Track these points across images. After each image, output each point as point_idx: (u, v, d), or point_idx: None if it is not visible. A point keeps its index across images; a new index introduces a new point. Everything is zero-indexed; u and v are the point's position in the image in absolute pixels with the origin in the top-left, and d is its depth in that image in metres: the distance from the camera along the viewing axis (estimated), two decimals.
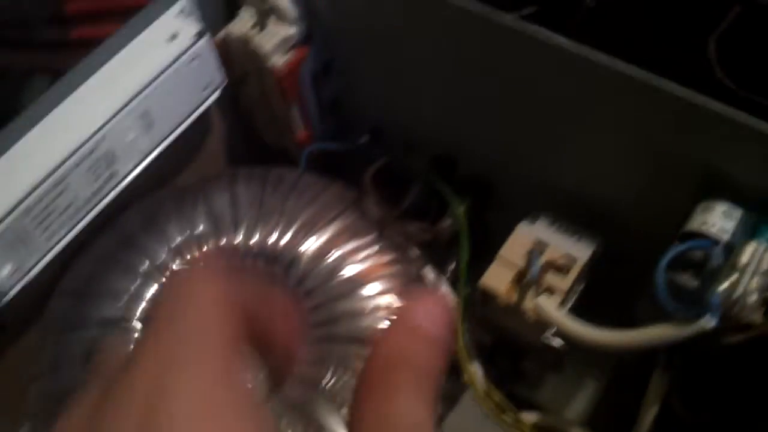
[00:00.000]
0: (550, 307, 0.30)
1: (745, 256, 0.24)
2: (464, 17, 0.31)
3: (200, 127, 0.41)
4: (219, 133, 0.43)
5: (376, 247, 0.36)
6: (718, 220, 0.27)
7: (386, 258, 0.36)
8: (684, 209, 0.29)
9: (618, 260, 0.33)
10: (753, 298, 0.24)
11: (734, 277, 0.24)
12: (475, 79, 0.34)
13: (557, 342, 0.33)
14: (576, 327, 0.29)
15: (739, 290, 0.24)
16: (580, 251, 0.33)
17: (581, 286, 0.35)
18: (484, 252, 0.35)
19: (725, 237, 0.27)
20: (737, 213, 0.27)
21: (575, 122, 0.32)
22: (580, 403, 0.39)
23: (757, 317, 0.25)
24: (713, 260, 0.26)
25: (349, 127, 0.41)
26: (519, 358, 0.37)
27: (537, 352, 0.35)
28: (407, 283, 0.36)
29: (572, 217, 0.34)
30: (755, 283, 0.24)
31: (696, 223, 0.28)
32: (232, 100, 0.41)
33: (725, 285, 0.24)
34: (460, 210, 0.37)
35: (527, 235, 0.34)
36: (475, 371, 0.37)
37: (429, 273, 0.38)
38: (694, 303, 0.25)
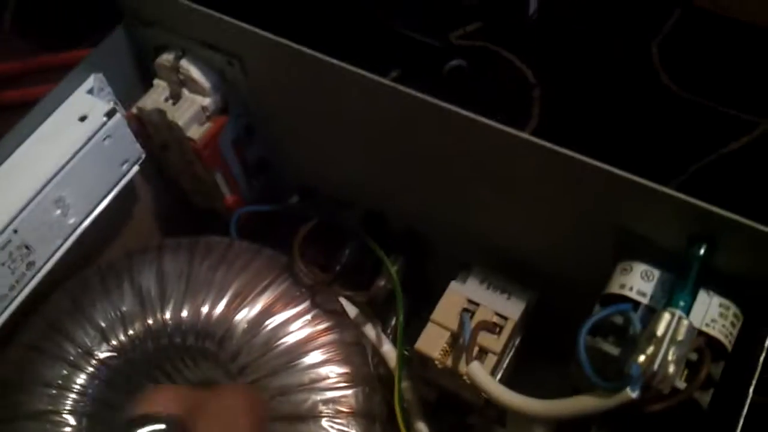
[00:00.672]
0: (481, 375, 0.30)
1: (661, 328, 0.24)
2: (350, 83, 0.31)
3: (126, 199, 0.40)
4: (146, 203, 0.42)
5: (309, 316, 0.35)
6: (637, 282, 0.27)
7: (322, 326, 0.36)
8: (605, 268, 0.29)
9: (552, 314, 0.33)
10: (671, 369, 0.24)
11: (651, 349, 0.24)
12: (387, 142, 0.33)
13: None
14: (505, 396, 0.29)
15: (657, 362, 0.24)
16: (512, 309, 0.33)
17: (517, 340, 0.34)
18: (426, 304, 0.35)
19: (644, 300, 0.27)
20: (655, 273, 0.27)
21: (487, 183, 0.31)
22: None
23: (679, 384, 0.25)
24: (633, 326, 0.26)
25: (279, 187, 0.41)
26: (464, 413, 0.37)
27: (480, 409, 0.35)
28: (346, 350, 0.35)
29: (506, 268, 0.34)
30: (672, 354, 0.24)
31: (615, 285, 0.27)
32: (157, 167, 0.40)
33: (642, 358, 0.24)
34: (393, 269, 0.36)
35: (459, 295, 0.34)
36: (421, 429, 0.36)
37: (370, 332, 0.37)
38: (617, 373, 0.25)
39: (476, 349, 0.32)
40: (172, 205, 0.43)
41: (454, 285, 0.34)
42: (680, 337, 0.24)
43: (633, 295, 0.27)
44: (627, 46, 0.73)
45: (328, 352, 0.35)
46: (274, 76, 0.34)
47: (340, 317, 0.36)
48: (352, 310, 0.37)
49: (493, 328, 0.33)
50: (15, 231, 0.32)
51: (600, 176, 0.26)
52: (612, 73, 0.75)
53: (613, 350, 0.26)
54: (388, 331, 0.39)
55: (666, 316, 0.24)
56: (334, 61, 0.30)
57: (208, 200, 0.41)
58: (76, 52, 0.49)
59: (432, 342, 0.33)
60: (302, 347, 0.35)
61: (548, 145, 0.27)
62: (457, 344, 0.33)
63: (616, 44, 0.75)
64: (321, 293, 0.36)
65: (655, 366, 0.24)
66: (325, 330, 0.35)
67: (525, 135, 0.27)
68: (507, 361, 0.34)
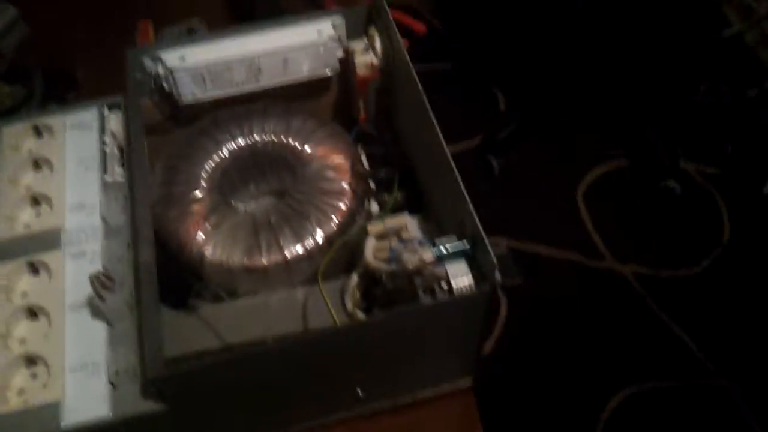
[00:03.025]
0: (370, 242, 0.57)
1: (420, 249, 0.50)
2: None
3: (322, 86, 0.73)
4: (332, 95, 0.75)
5: (347, 184, 0.65)
6: (447, 242, 0.53)
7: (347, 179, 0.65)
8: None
9: None
10: (409, 266, 0.50)
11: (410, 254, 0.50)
12: (426, 148, 0.62)
13: None
14: (367, 252, 0.56)
15: (405, 257, 0.50)
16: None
17: None
18: None
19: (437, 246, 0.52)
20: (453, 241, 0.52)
21: None
22: None
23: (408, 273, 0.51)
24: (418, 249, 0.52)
25: (387, 128, 0.71)
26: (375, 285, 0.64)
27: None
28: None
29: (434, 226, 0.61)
30: (415, 260, 0.50)
31: (440, 239, 0.53)
32: (344, 77, 0.73)
33: (405, 255, 0.50)
34: (395, 195, 0.64)
35: (403, 219, 0.61)
36: (353, 277, 0.64)
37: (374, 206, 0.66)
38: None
39: (386, 241, 0.59)
40: (341, 104, 0.75)
41: (405, 214, 0.61)
42: (425, 257, 0.50)
43: (438, 243, 0.52)
44: None
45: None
46: (402, 75, 0.64)
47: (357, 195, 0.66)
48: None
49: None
50: (258, 59, 0.66)
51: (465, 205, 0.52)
52: None
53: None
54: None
55: (427, 250, 0.50)
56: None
57: (353, 110, 0.72)
58: None
59: (375, 228, 0.60)
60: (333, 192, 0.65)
61: None
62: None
63: None
64: (358, 179, 0.66)
65: (403, 257, 0.50)
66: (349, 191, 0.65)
67: None
68: None
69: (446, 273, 0.51)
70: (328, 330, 0.53)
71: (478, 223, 0.50)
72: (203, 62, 0.64)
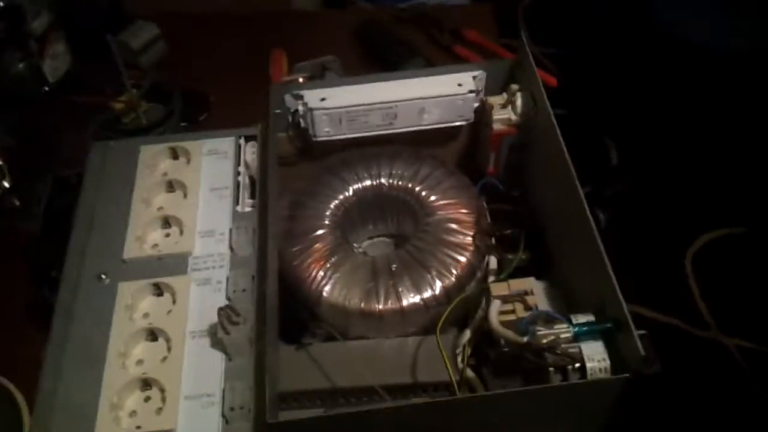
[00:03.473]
0: (495, 306, 0.56)
1: (557, 326, 0.48)
2: None
3: (452, 134, 0.72)
4: (460, 144, 0.74)
5: (470, 239, 0.64)
6: (581, 318, 0.50)
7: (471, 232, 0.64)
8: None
9: None
10: (543, 341, 0.48)
11: (544, 330, 0.48)
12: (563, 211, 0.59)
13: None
14: (492, 316, 0.54)
15: (540, 333, 0.48)
16: (544, 307, 0.57)
17: None
18: None
19: (574, 323, 0.50)
20: (591, 321, 0.50)
21: None
22: None
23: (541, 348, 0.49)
24: (555, 324, 0.50)
25: (516, 184, 0.69)
26: (491, 346, 0.62)
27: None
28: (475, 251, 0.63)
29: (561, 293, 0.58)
30: (550, 337, 0.48)
31: (574, 315, 0.51)
32: (474, 131, 0.72)
33: (539, 328, 0.48)
34: (519, 256, 0.62)
35: (529, 283, 0.59)
36: (466, 333, 0.63)
37: (492, 262, 0.64)
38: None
39: (509, 305, 0.57)
40: (467, 153, 0.74)
41: (532, 278, 0.59)
42: (562, 336, 0.48)
43: (573, 319, 0.50)
44: None
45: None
46: (544, 136, 0.62)
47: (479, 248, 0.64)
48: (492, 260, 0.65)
49: (527, 306, 0.57)
50: (396, 106, 0.66)
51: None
52: None
53: (539, 324, 0.50)
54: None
55: (563, 325, 0.48)
56: None
57: (481, 163, 0.71)
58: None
59: (498, 288, 0.58)
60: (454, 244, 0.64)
61: None
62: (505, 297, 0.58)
63: None
64: (482, 235, 0.64)
65: (538, 333, 0.48)
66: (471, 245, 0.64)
67: None
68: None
69: (581, 353, 0.48)
70: (456, 400, 0.52)
71: (624, 305, 0.47)
72: (343, 105, 0.65)
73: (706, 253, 0.90)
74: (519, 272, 0.62)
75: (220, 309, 0.52)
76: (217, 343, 0.54)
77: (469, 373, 0.61)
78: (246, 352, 0.54)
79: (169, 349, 0.55)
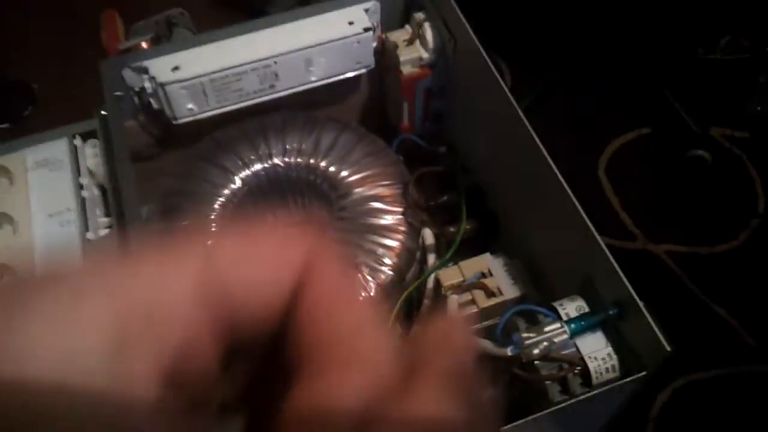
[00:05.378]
0: (452, 303, 0.43)
1: (548, 328, 0.36)
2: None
3: (351, 86, 0.58)
4: (362, 97, 0.59)
5: (399, 217, 0.51)
6: (569, 307, 0.39)
7: (402, 224, 0.51)
8: (569, 291, 0.41)
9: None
10: (535, 351, 0.36)
11: (533, 334, 0.36)
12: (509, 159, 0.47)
13: None
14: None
15: (530, 342, 0.36)
16: (510, 291, 0.45)
17: (493, 320, 0.47)
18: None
19: (564, 317, 0.38)
20: (583, 309, 0.39)
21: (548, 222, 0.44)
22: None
23: (540, 369, 0.37)
24: (541, 323, 0.38)
25: (438, 136, 0.56)
26: None
27: None
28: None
29: (526, 266, 0.47)
30: (542, 344, 0.36)
31: (558, 302, 0.39)
32: (377, 78, 0.57)
33: (525, 335, 0.36)
34: (464, 226, 0.50)
35: (484, 262, 0.47)
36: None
37: (428, 237, 0.51)
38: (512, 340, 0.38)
39: (467, 295, 0.45)
40: (374, 111, 0.60)
41: (487, 255, 0.47)
42: (556, 339, 0.36)
43: (561, 311, 0.39)
44: None
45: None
46: (469, 68, 0.49)
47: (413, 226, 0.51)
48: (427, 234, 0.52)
49: (489, 291, 0.46)
50: (275, 62, 0.51)
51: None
52: None
53: (521, 326, 0.38)
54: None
55: (555, 324, 0.36)
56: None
57: (392, 117, 0.57)
58: None
59: (449, 276, 0.46)
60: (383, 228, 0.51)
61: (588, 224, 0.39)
62: (460, 286, 0.46)
63: None
64: (413, 209, 0.51)
65: (526, 342, 0.36)
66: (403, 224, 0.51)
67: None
68: (480, 324, 0.46)
69: (579, 352, 0.37)
70: None
71: (627, 283, 0.36)
72: (204, 72, 0.49)
73: (618, 161, 0.86)
74: (466, 247, 0.50)
75: None
76: None
77: None
78: None
79: None
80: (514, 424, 0.34)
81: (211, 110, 0.52)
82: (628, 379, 0.36)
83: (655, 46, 0.89)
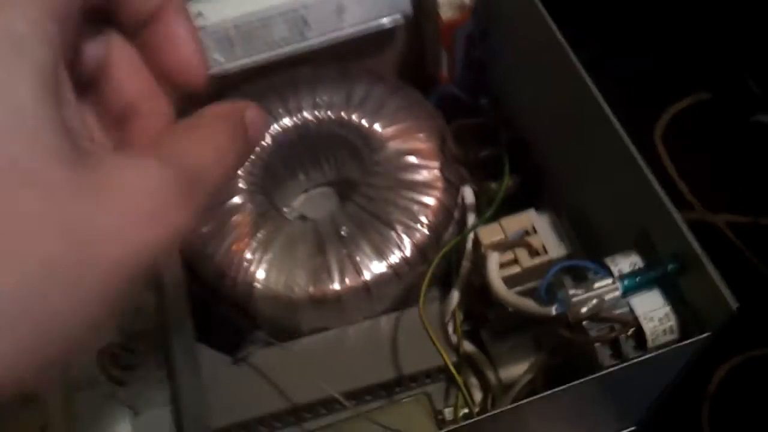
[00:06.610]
0: (492, 261, 0.40)
1: (598, 284, 0.32)
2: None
3: (386, 35, 0.54)
4: (399, 49, 0.56)
5: (437, 172, 0.47)
6: (622, 263, 0.35)
7: (440, 180, 0.47)
8: (623, 246, 0.37)
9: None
10: (583, 309, 0.32)
11: (582, 291, 0.32)
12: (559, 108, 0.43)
13: None
14: (494, 279, 0.39)
15: (577, 299, 0.32)
16: (555, 249, 0.42)
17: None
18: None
19: (615, 274, 0.35)
20: (638, 265, 0.35)
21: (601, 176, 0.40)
22: (515, 370, 0.47)
23: (590, 331, 0.33)
24: (590, 279, 0.34)
25: (480, 88, 0.52)
26: (488, 305, 0.47)
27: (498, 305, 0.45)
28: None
29: (571, 224, 0.43)
30: (592, 302, 0.32)
31: (610, 259, 0.36)
32: (415, 27, 0.54)
33: (572, 292, 0.33)
34: (506, 182, 0.46)
35: (528, 219, 0.43)
36: (454, 295, 0.47)
37: (468, 195, 0.48)
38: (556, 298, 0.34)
39: (509, 254, 0.42)
40: (412, 64, 0.56)
41: (531, 211, 0.44)
42: (606, 297, 0.32)
43: (612, 267, 0.35)
44: None
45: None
46: (514, 10, 0.45)
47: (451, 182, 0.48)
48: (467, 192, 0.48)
49: (532, 250, 0.42)
50: (304, 7, 0.48)
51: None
52: None
53: (568, 283, 0.35)
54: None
55: (606, 280, 0.33)
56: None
57: (431, 67, 0.53)
58: None
59: (490, 234, 0.43)
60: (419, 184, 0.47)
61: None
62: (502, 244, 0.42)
63: None
64: (451, 164, 0.48)
65: (573, 300, 0.32)
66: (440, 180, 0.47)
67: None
68: (522, 286, 0.42)
69: (632, 313, 0.33)
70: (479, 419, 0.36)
71: (689, 233, 0.32)
72: (230, 18, 0.46)
73: (676, 127, 0.79)
74: (508, 205, 0.46)
75: (100, 352, 0.35)
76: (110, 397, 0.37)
77: (467, 346, 0.47)
78: (157, 398, 0.37)
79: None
80: (560, 388, 0.30)
81: (239, 61, 0.49)
82: (688, 341, 0.32)
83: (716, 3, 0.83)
